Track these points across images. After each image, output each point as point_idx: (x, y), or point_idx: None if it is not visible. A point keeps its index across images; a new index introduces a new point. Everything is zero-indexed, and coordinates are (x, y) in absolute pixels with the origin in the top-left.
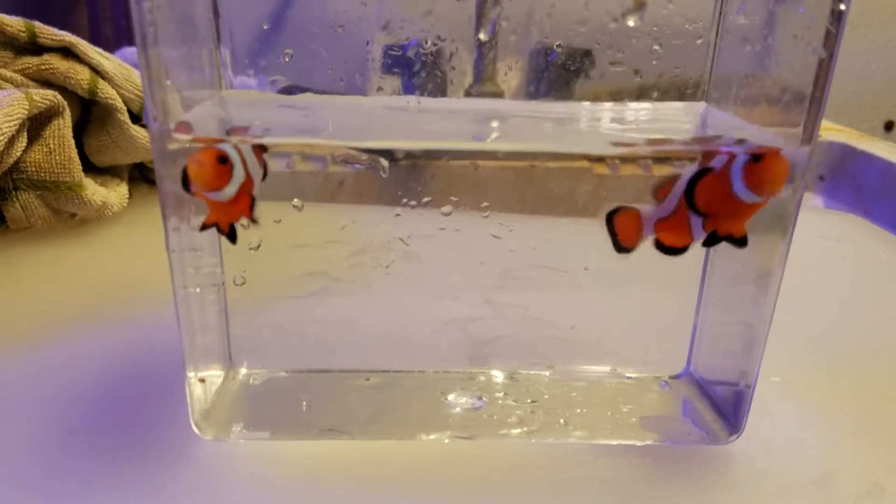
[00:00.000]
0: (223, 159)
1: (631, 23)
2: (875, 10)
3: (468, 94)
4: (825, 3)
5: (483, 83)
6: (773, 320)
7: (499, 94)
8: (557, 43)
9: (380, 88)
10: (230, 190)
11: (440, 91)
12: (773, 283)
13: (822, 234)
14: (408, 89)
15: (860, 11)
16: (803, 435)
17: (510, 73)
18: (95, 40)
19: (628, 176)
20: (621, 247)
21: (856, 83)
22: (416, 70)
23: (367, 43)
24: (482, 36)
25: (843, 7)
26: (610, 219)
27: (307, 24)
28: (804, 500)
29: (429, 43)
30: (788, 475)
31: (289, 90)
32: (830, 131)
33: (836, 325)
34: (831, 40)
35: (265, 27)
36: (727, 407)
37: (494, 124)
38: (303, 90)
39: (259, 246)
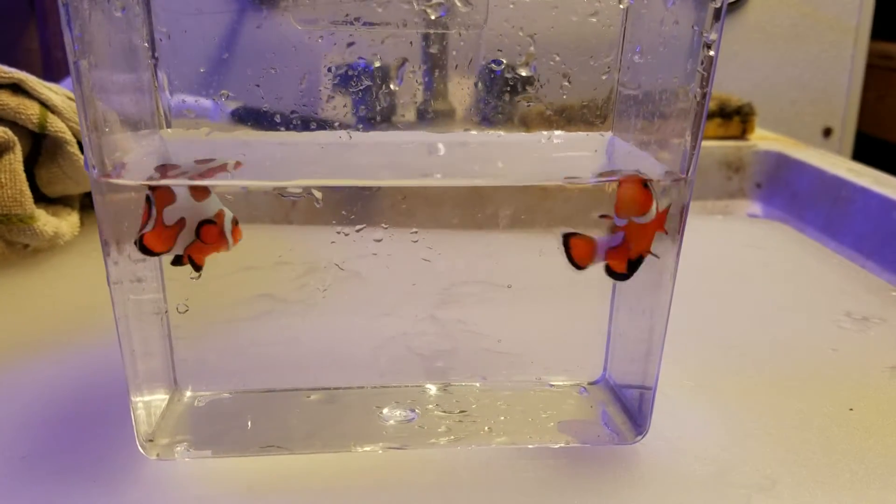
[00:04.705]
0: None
1: (523, 72)
2: (810, 21)
3: (420, 113)
4: (697, 53)
5: (435, 101)
6: (692, 328)
7: (450, 113)
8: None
9: (330, 98)
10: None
11: (389, 112)
12: (666, 288)
13: (747, 243)
14: (357, 108)
15: (795, 24)
16: (706, 434)
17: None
18: (47, 65)
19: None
20: (576, 264)
21: (794, 92)
22: (365, 90)
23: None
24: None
25: (711, 53)
26: (567, 240)
27: (256, 46)
28: (703, 494)
29: (377, 63)
30: (689, 471)
31: (239, 112)
32: (767, 140)
33: (751, 331)
34: (704, 83)
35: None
36: (634, 409)
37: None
38: (252, 111)
39: (199, 276)
